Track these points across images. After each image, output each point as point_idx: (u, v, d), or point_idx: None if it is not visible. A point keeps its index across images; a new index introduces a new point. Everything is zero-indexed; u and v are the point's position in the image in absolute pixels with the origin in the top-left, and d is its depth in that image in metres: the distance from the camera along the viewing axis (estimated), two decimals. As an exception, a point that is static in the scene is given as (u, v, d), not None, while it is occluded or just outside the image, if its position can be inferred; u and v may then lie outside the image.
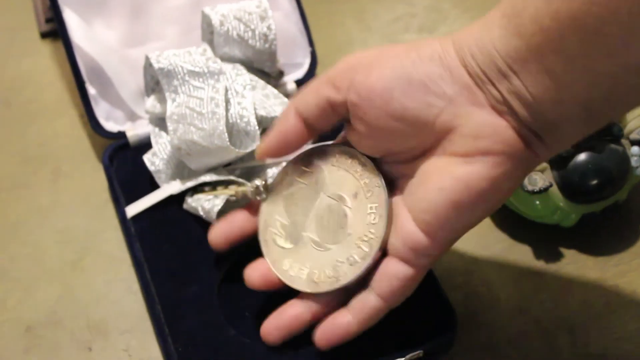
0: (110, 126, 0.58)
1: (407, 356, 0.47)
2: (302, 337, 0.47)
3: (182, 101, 0.54)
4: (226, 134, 0.52)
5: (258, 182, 0.48)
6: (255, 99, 0.54)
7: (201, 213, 0.53)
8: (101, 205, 0.57)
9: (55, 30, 0.67)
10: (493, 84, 0.40)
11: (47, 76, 0.65)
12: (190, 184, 0.53)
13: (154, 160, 0.54)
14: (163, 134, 0.56)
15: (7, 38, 0.68)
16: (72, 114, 0.62)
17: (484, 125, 0.40)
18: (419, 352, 0.47)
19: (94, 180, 0.58)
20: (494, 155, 0.40)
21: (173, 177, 0.54)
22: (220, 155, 0.53)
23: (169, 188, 0.54)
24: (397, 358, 0.47)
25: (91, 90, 0.58)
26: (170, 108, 0.54)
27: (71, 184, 0.59)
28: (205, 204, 0.53)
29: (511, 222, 0.55)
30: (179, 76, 0.54)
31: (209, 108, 0.53)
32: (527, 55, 0.38)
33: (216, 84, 0.54)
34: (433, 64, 0.41)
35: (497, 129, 0.40)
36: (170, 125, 0.54)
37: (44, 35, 0.67)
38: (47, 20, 0.67)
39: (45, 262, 0.55)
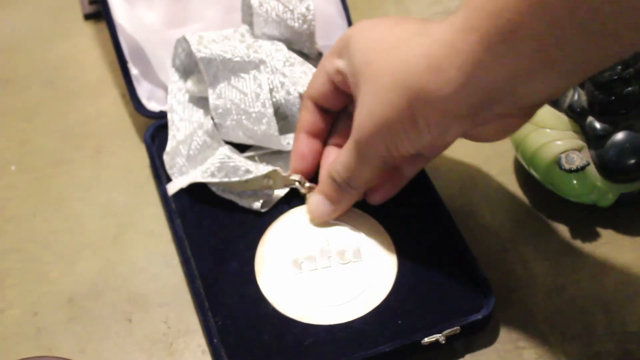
0: (152, 106, 0.59)
1: (444, 332, 0.47)
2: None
3: (224, 93, 0.55)
4: (279, 137, 0.54)
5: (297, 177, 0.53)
6: (294, 75, 0.55)
7: (236, 201, 0.54)
8: (141, 182, 0.58)
9: (98, 11, 0.68)
10: None
11: (89, 57, 0.66)
12: (215, 179, 0.54)
13: (175, 163, 0.55)
14: (195, 114, 0.57)
15: (51, 19, 0.69)
16: (113, 93, 0.63)
17: None
18: (455, 329, 0.47)
19: (135, 157, 0.59)
20: None
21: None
22: (264, 143, 0.55)
23: (194, 176, 0.55)
24: (435, 334, 0.47)
25: (133, 71, 0.59)
26: (212, 99, 0.55)
27: (112, 161, 0.60)
28: (244, 202, 0.54)
29: (548, 201, 0.55)
30: (220, 66, 0.55)
31: (255, 107, 0.54)
32: None
33: (258, 75, 0.55)
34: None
35: None
36: (215, 118, 0.55)
37: (87, 17, 0.68)
38: (91, 2, 0.68)
39: (87, 236, 0.56)
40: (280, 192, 0.54)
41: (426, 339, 0.47)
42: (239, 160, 0.53)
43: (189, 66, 0.58)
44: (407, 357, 0.48)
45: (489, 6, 0.39)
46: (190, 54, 0.58)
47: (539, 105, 0.45)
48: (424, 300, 0.49)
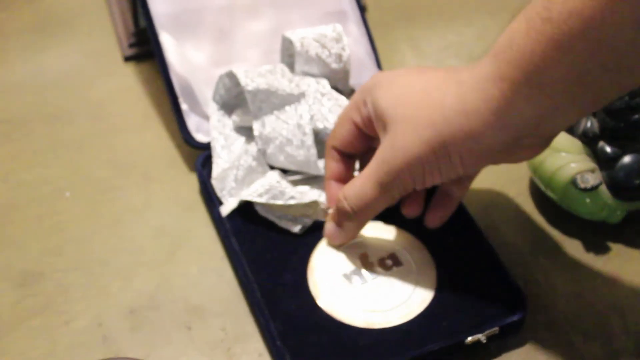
0: (200, 137, 0.64)
1: (485, 332, 0.53)
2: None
3: (269, 123, 0.61)
4: (319, 163, 0.60)
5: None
6: (331, 105, 0.61)
7: (275, 222, 0.59)
8: (190, 206, 0.63)
9: (137, 54, 0.74)
10: None
11: (131, 95, 0.71)
12: (262, 200, 0.59)
13: (224, 186, 0.61)
14: (235, 142, 0.63)
15: (93, 61, 0.74)
16: (156, 127, 0.69)
17: None
18: (495, 329, 0.53)
19: (182, 184, 0.65)
20: None
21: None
22: (303, 168, 0.61)
23: (245, 195, 0.60)
24: (477, 334, 0.53)
25: (183, 105, 0.64)
26: (257, 127, 0.61)
27: (160, 188, 0.65)
28: (283, 223, 0.59)
29: (562, 220, 0.61)
30: (264, 97, 0.61)
31: (297, 136, 0.60)
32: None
33: (299, 107, 0.61)
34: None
35: None
36: (259, 145, 0.61)
37: (127, 59, 0.74)
38: (131, 46, 0.74)
39: (143, 254, 0.61)
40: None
41: (469, 338, 0.53)
42: (287, 186, 0.59)
43: (228, 100, 0.64)
44: (451, 356, 0.53)
45: (519, 58, 0.45)
46: (229, 90, 0.63)
47: (558, 134, 0.51)
48: (464, 304, 0.54)
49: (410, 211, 0.57)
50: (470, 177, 0.56)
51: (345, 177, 0.58)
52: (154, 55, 0.72)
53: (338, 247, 0.58)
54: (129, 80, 0.72)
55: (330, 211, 0.58)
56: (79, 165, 0.66)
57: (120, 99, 0.71)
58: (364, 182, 0.54)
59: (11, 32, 0.77)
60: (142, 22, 0.73)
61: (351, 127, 0.56)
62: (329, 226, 0.57)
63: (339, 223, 0.56)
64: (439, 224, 0.57)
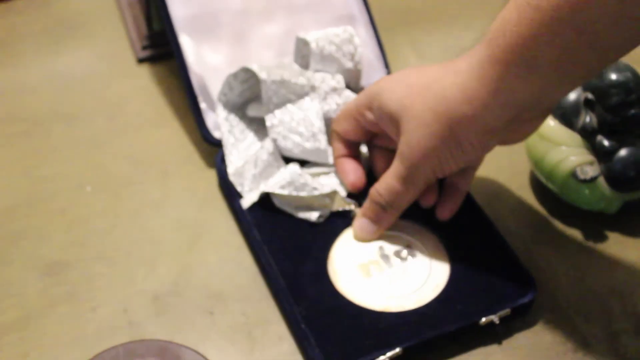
0: (218, 134, 0.67)
1: (498, 314, 0.56)
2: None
3: (281, 113, 0.64)
4: (329, 152, 0.63)
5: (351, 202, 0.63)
6: (344, 95, 0.65)
7: (293, 213, 0.62)
8: (207, 200, 0.66)
9: (151, 56, 0.77)
10: None
11: (146, 95, 0.74)
12: (284, 192, 0.62)
13: (243, 181, 0.64)
14: (249, 136, 0.66)
15: (107, 63, 0.77)
16: (173, 125, 0.72)
17: None
18: (507, 311, 0.56)
19: (199, 179, 0.68)
20: None
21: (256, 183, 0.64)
22: (314, 158, 0.64)
23: (267, 187, 0.63)
24: (490, 315, 0.56)
25: (202, 104, 0.67)
26: (269, 118, 0.64)
27: (179, 183, 0.68)
28: (301, 213, 0.62)
29: (562, 210, 0.65)
30: (277, 89, 0.64)
31: (307, 127, 0.63)
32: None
33: (310, 98, 0.64)
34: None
35: None
36: (271, 135, 0.64)
37: (141, 61, 0.77)
38: (144, 48, 0.77)
39: (164, 245, 0.64)
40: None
41: (483, 319, 0.56)
42: (308, 178, 0.62)
43: (233, 100, 0.67)
44: (465, 337, 0.57)
45: (512, 43, 0.49)
46: (233, 89, 0.66)
47: (554, 105, 0.56)
48: (477, 288, 0.58)
49: (425, 201, 0.61)
50: (474, 168, 0.60)
51: (350, 154, 0.64)
52: (168, 57, 0.75)
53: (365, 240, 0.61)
54: (143, 81, 0.75)
55: (358, 210, 0.62)
56: (98, 161, 0.69)
57: (136, 99, 0.74)
58: (392, 178, 0.58)
59: (26, 36, 0.80)
60: (156, 25, 0.76)
61: (355, 124, 0.61)
62: (362, 223, 0.61)
63: (375, 218, 0.60)
64: (450, 215, 0.61)
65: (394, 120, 0.57)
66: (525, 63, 0.49)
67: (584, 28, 0.46)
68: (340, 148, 0.64)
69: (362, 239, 0.61)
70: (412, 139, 0.55)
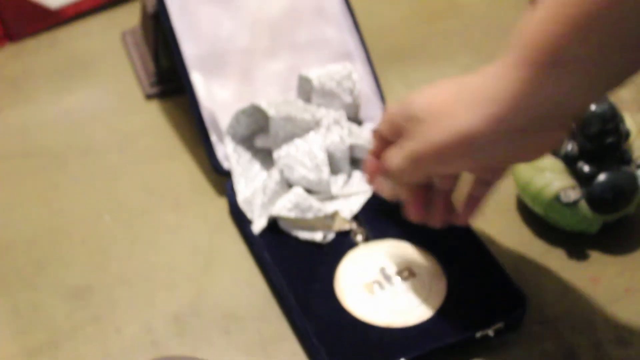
0: (227, 165, 0.72)
1: (492, 327, 0.62)
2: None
3: (287, 146, 0.69)
4: (329, 184, 0.69)
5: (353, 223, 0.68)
6: (346, 128, 0.71)
7: (298, 235, 0.68)
8: (219, 225, 0.71)
9: (158, 92, 0.82)
10: None
11: (157, 129, 0.79)
12: (291, 214, 0.68)
13: (253, 208, 0.69)
14: (256, 166, 0.71)
15: (117, 100, 0.82)
16: (183, 157, 0.76)
17: None
18: (500, 324, 0.62)
19: (210, 207, 0.72)
20: None
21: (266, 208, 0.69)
22: (316, 187, 0.70)
23: (274, 211, 0.68)
24: (486, 328, 0.61)
25: (212, 137, 0.72)
26: (276, 151, 0.69)
27: (192, 210, 0.72)
28: (303, 233, 0.67)
29: (546, 231, 0.70)
30: (283, 124, 0.69)
31: (311, 159, 0.69)
32: None
33: (314, 132, 0.70)
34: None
35: None
36: (278, 166, 0.69)
37: (149, 97, 0.82)
38: (152, 84, 0.82)
39: (181, 268, 0.68)
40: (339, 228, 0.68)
41: (479, 333, 0.61)
42: (312, 201, 0.67)
43: (241, 133, 0.72)
44: (463, 348, 0.62)
45: (543, 41, 0.49)
46: (241, 123, 0.71)
47: (576, 115, 0.56)
48: (472, 304, 0.63)
49: (412, 212, 0.62)
50: (493, 179, 0.60)
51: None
52: (175, 93, 0.80)
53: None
54: (152, 116, 0.80)
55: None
56: (114, 192, 0.74)
57: (147, 133, 0.79)
58: (397, 153, 0.58)
59: (39, 75, 0.84)
60: (163, 64, 0.81)
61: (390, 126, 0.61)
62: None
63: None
64: (474, 214, 0.62)
65: (421, 118, 0.57)
66: (554, 63, 0.49)
67: (617, 26, 0.47)
68: (377, 145, 0.63)
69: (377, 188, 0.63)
70: (427, 133, 0.55)
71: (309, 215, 0.67)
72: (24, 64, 0.86)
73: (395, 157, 0.59)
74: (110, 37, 0.88)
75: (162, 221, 0.72)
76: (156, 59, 0.81)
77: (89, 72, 0.85)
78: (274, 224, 0.68)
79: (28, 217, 0.72)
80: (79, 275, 0.68)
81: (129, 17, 0.90)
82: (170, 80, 0.81)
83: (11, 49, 0.87)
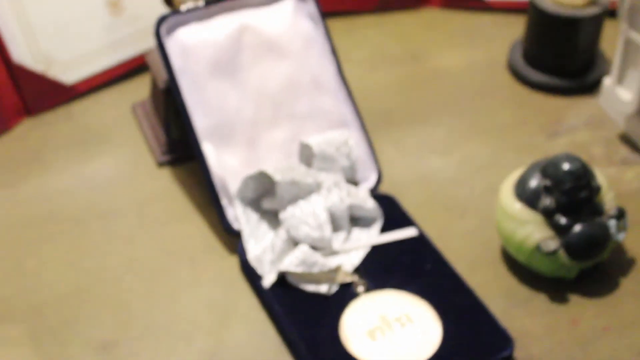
0: (237, 226, 0.79)
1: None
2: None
3: (291, 208, 0.76)
4: (331, 241, 0.76)
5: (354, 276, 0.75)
6: (344, 190, 0.78)
7: (305, 288, 0.74)
8: (232, 281, 0.78)
9: (170, 160, 0.89)
10: None
11: (170, 194, 0.86)
12: (298, 269, 0.75)
13: (263, 265, 0.76)
14: (264, 227, 0.78)
15: (132, 167, 0.89)
16: (195, 219, 0.83)
17: None
18: (490, 364, 0.69)
19: (223, 264, 0.79)
20: None
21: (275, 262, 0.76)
22: (319, 245, 0.77)
23: (283, 267, 0.75)
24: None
25: (223, 201, 0.79)
26: (282, 212, 0.76)
27: (206, 268, 0.79)
28: (309, 286, 0.74)
29: (529, 278, 0.78)
30: (289, 188, 0.76)
31: (314, 219, 0.76)
32: None
33: (316, 194, 0.77)
34: None
35: None
36: (284, 226, 0.76)
37: (161, 164, 0.89)
38: (164, 153, 0.89)
39: (199, 322, 0.75)
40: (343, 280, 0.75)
41: (473, 373, 0.68)
42: (317, 256, 0.74)
43: (250, 196, 0.79)
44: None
45: None
46: (249, 186, 0.79)
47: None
48: (465, 345, 0.70)
49: None
50: None
51: None
52: (185, 160, 0.88)
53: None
54: (166, 182, 0.87)
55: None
56: (133, 253, 0.81)
57: (162, 197, 0.86)
58: None
59: (58, 145, 0.91)
60: (174, 134, 0.88)
61: None
62: None
63: None
64: None
65: None
66: None
67: None
68: None
69: None
70: None
71: (315, 270, 0.74)
72: (43, 136, 0.93)
73: None
74: (121, 109, 0.96)
75: (179, 278, 0.78)
76: (167, 129, 0.89)
77: (104, 142, 0.92)
78: (282, 278, 0.75)
79: (56, 278, 0.78)
80: (105, 330, 0.74)
81: (137, 90, 0.98)
82: (180, 149, 0.89)
83: (30, 122, 0.95)
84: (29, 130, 0.94)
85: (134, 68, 1.00)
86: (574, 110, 0.95)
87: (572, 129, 0.93)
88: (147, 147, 0.91)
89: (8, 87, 0.93)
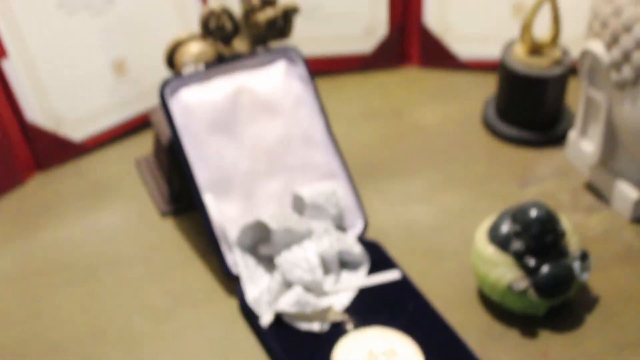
0: (235, 270, 0.87)
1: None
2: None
3: (285, 253, 0.84)
4: (322, 283, 0.83)
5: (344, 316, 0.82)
6: (333, 236, 0.86)
7: (299, 326, 0.82)
8: (233, 321, 0.85)
9: (173, 210, 0.96)
10: None
11: (173, 241, 0.94)
12: (293, 310, 0.82)
13: (261, 306, 0.84)
14: (260, 271, 0.86)
15: (137, 218, 0.97)
16: (198, 264, 0.91)
17: None
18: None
19: (224, 306, 0.87)
20: None
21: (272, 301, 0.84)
22: (311, 287, 0.84)
23: (279, 307, 0.83)
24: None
25: (223, 247, 0.87)
26: (277, 257, 0.84)
27: (208, 309, 0.86)
28: (303, 325, 0.82)
29: (503, 316, 0.85)
30: (282, 235, 0.84)
31: (306, 263, 0.83)
32: None
33: (307, 240, 0.85)
34: None
35: None
36: (279, 270, 0.84)
37: (164, 214, 0.97)
38: (167, 204, 0.97)
39: (203, 358, 0.82)
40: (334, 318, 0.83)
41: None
42: (310, 297, 0.82)
43: (247, 242, 0.87)
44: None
45: None
46: (247, 234, 0.86)
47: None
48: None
49: None
50: None
51: None
52: (187, 210, 0.95)
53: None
54: (169, 230, 0.95)
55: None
56: (141, 296, 0.88)
57: (166, 245, 0.93)
58: None
59: (67, 199, 0.99)
60: (176, 186, 0.96)
61: None
62: None
63: None
64: None
65: None
66: None
67: None
68: None
69: None
70: None
71: (308, 310, 0.81)
72: (54, 189, 1.00)
73: None
74: (125, 163, 1.04)
75: (184, 319, 0.86)
76: (170, 182, 0.96)
77: (111, 194, 1.00)
78: (279, 318, 0.82)
79: (70, 321, 0.85)
80: (120, 367, 0.81)
81: (139, 146, 1.06)
82: (182, 200, 0.96)
83: (41, 177, 1.02)
84: (40, 184, 1.01)
85: (137, 126, 1.08)
86: (543, 161, 1.04)
87: (541, 178, 1.02)
88: (150, 198, 0.99)
89: (21, 144, 1.00)
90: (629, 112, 0.89)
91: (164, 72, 1.03)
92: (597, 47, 0.90)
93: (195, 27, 1.07)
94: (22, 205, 0.99)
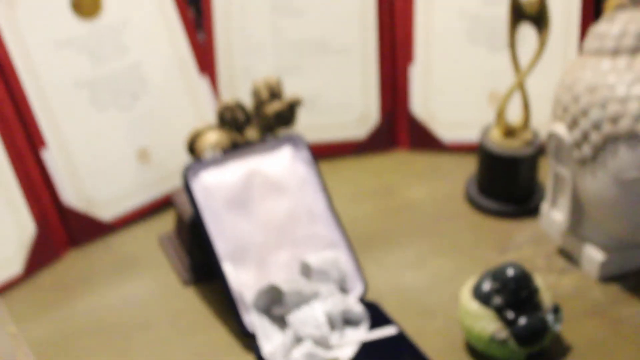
0: (252, 329, 0.99)
1: None
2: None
3: (296, 313, 0.97)
4: (329, 338, 0.95)
5: None
6: (338, 296, 0.98)
7: None
8: (250, 374, 0.97)
9: (194, 279, 1.09)
10: None
11: (196, 307, 1.05)
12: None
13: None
14: (274, 329, 0.98)
15: (162, 287, 1.09)
16: (219, 326, 1.02)
17: None
18: None
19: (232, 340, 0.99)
20: None
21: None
22: (319, 343, 0.96)
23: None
24: None
25: (240, 310, 0.99)
26: (288, 317, 0.97)
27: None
28: None
29: (488, 364, 0.98)
30: (293, 296, 0.97)
31: (314, 321, 0.96)
32: None
33: (315, 301, 0.97)
34: None
35: None
36: (291, 328, 0.96)
37: (186, 283, 1.09)
38: (189, 274, 1.09)
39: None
40: None
41: None
42: (319, 350, 0.94)
43: (262, 304, 0.99)
44: None
45: None
46: (261, 297, 0.99)
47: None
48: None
49: None
50: None
51: None
52: (207, 279, 1.08)
53: None
54: (191, 297, 1.07)
55: None
56: (169, 356, 0.99)
57: (189, 310, 1.05)
58: None
59: (100, 271, 1.11)
60: (197, 258, 1.09)
61: None
62: None
63: None
64: None
65: None
66: None
67: None
68: None
69: None
70: None
71: None
72: (87, 264, 1.13)
73: None
74: (149, 239, 1.16)
75: (198, 363, 0.97)
76: (191, 254, 1.09)
77: (137, 267, 1.12)
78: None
79: (106, 380, 0.97)
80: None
81: (161, 224, 1.19)
82: (202, 271, 1.09)
83: (75, 253, 1.15)
84: (74, 259, 1.14)
85: (159, 206, 1.21)
86: (520, 230, 1.17)
87: (519, 245, 1.15)
88: (173, 269, 1.11)
89: (57, 224, 1.13)
90: (590, 185, 1.03)
91: (181, 158, 1.17)
92: (561, 129, 1.05)
93: (207, 118, 1.21)
94: (58, 278, 1.11)
